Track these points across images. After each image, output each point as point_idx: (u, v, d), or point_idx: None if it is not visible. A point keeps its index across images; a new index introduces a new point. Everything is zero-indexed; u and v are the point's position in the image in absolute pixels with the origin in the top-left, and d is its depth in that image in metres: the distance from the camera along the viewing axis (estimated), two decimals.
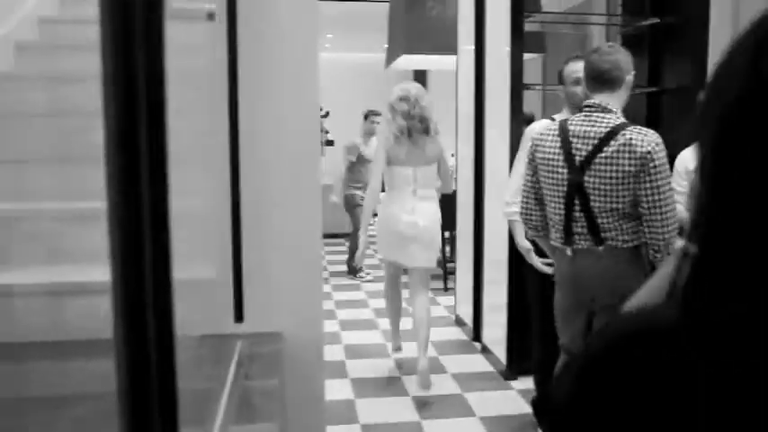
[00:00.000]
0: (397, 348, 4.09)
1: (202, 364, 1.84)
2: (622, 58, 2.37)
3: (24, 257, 2.06)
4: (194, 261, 2.07)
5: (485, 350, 4.30)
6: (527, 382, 3.72)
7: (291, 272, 2.24)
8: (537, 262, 3.00)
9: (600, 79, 2.36)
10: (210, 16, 1.76)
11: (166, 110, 0.55)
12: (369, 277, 6.38)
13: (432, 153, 3.59)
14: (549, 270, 2.89)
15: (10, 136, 2.35)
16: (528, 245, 3.05)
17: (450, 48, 4.99)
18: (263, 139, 2.12)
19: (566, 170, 2.36)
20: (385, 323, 4.66)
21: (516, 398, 3.64)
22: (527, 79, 3.88)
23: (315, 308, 2.33)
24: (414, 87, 3.64)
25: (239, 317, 2.13)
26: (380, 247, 3.78)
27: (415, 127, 3.54)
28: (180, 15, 1.50)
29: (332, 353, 4.31)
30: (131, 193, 0.54)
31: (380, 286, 5.73)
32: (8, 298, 1.88)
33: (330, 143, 7.64)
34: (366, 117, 6.34)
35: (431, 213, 3.60)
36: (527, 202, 2.56)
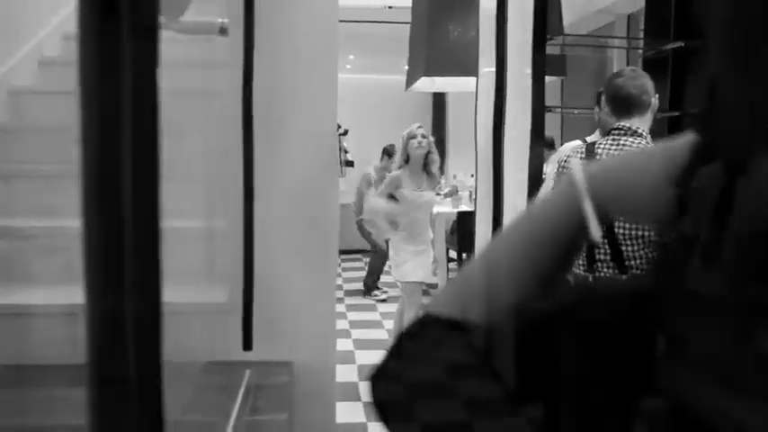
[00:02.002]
0: None
1: (206, 393, 1.78)
2: (648, 82, 2.35)
3: (43, 275, 2.04)
4: (203, 282, 2.02)
5: None
6: None
7: (304, 296, 2.17)
8: None
9: (629, 104, 2.32)
10: (223, 31, 1.73)
11: (158, 115, 0.48)
12: (383, 296, 6.32)
13: None
14: None
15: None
16: None
17: (470, 70, 4.96)
18: (278, 156, 2.09)
19: None
20: None
21: None
22: (546, 102, 3.85)
23: (328, 336, 2.25)
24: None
25: (248, 344, 2.02)
26: None
27: None
28: (190, 30, 1.48)
29: (345, 374, 4.25)
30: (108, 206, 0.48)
31: (395, 307, 5.68)
32: (26, 318, 1.84)
33: (350, 164, 7.61)
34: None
35: None
36: None
